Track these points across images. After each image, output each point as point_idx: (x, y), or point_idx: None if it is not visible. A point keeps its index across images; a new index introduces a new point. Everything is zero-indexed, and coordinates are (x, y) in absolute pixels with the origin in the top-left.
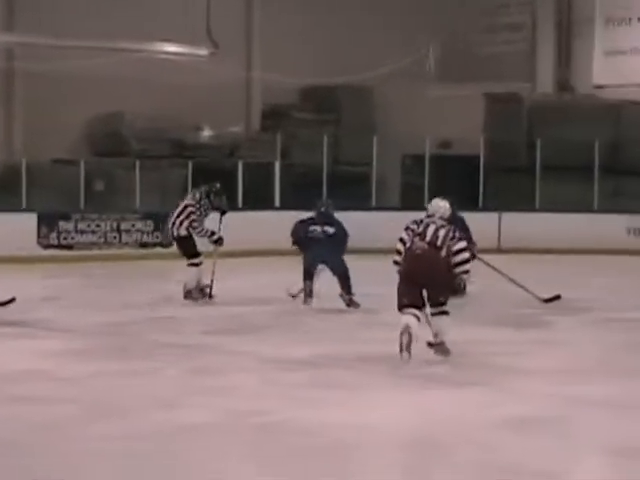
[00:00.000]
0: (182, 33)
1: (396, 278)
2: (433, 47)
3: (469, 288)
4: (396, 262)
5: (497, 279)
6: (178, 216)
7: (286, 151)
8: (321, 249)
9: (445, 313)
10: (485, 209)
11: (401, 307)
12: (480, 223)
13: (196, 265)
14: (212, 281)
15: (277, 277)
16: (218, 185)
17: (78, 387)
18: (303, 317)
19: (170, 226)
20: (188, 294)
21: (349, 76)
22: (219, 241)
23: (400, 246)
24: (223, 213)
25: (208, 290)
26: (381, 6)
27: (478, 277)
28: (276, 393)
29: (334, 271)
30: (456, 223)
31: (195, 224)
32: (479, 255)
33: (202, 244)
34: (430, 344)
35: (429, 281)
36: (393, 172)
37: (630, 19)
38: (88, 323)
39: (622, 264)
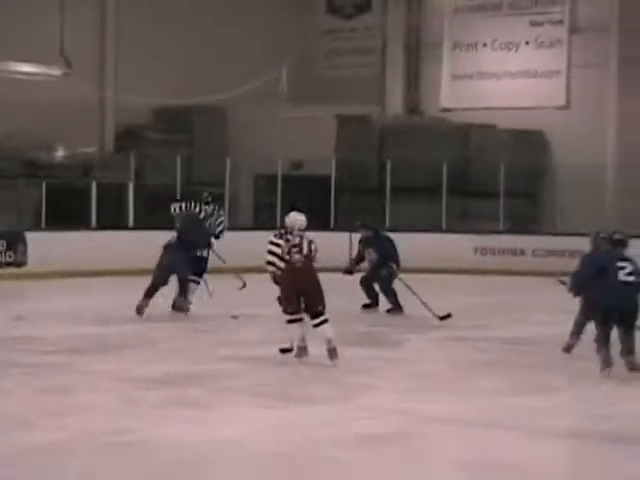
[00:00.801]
0: (35, 52)
1: (249, 298)
2: (286, 69)
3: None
4: (272, 263)
5: (351, 299)
6: None
7: (140, 171)
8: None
9: (327, 321)
10: (336, 229)
11: (288, 316)
12: (331, 243)
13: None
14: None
15: (132, 297)
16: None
17: None
18: (158, 337)
19: None
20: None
21: (203, 97)
22: None
23: (273, 258)
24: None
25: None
26: (235, 28)
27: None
28: (132, 412)
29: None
30: (384, 243)
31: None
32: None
33: None
34: (282, 349)
35: (309, 292)
36: (246, 192)
37: (476, 44)
38: None
39: (470, 283)
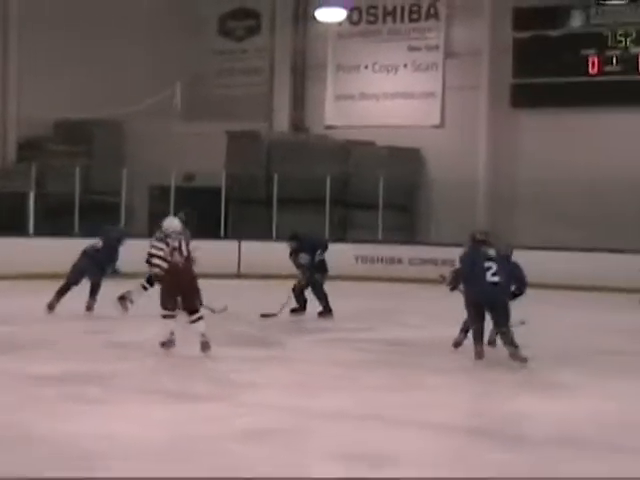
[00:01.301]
0: None
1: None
2: (180, 87)
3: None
4: (155, 264)
5: (237, 301)
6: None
7: (41, 181)
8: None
9: (201, 318)
10: (226, 237)
11: (165, 311)
12: (221, 251)
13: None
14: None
15: (32, 299)
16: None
17: None
18: (54, 336)
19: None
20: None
21: (102, 111)
22: None
23: (157, 260)
24: None
25: None
26: (133, 47)
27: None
28: (29, 407)
29: None
30: (314, 247)
31: None
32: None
33: None
34: (162, 343)
35: (188, 291)
36: (141, 202)
37: (358, 67)
38: None
39: (352, 289)
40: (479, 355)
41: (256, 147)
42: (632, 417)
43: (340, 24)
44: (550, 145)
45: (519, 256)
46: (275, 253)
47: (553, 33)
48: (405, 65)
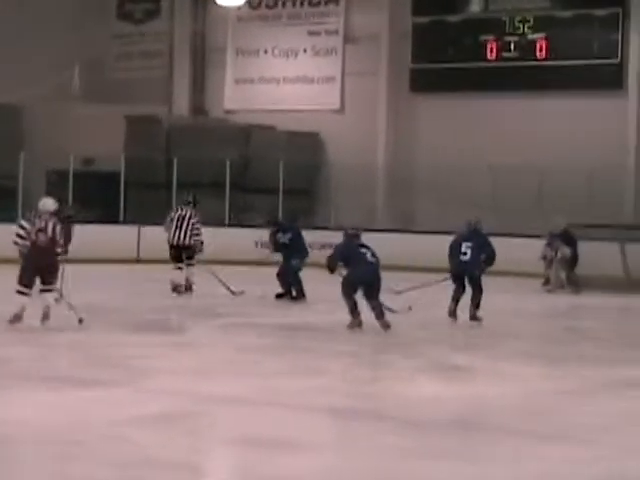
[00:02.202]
0: None
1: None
2: (78, 71)
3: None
4: (17, 243)
5: (138, 286)
6: (188, 228)
7: None
8: None
9: (51, 291)
10: (125, 222)
11: (20, 287)
12: (121, 235)
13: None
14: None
15: None
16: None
17: None
18: None
19: (180, 235)
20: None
21: None
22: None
23: (17, 238)
24: None
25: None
26: (31, 31)
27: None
28: None
29: None
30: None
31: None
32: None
33: None
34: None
35: (48, 268)
36: (39, 187)
37: (258, 51)
38: None
39: (252, 274)
40: (352, 325)
41: (155, 131)
42: (530, 401)
43: (240, 8)
44: (449, 129)
45: (420, 239)
46: None
47: (452, 18)
48: (305, 50)
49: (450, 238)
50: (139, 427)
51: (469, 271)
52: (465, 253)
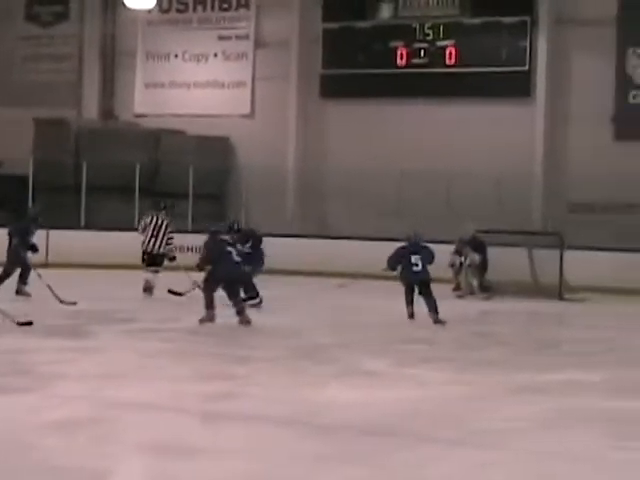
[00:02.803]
0: None
1: None
2: None
3: None
4: None
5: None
6: (163, 237)
7: None
8: None
9: None
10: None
11: None
12: None
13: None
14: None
15: None
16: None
17: None
18: None
19: (153, 242)
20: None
21: None
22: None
23: None
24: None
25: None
26: None
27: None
28: None
29: None
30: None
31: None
32: None
33: None
34: None
35: None
36: None
37: (168, 55)
38: None
39: (161, 279)
40: (204, 319)
41: (64, 134)
42: (440, 406)
43: (150, 12)
44: (359, 135)
45: (332, 244)
46: (83, 241)
47: (362, 25)
48: (215, 54)
49: (358, 243)
50: (45, 434)
51: (422, 280)
52: (416, 264)
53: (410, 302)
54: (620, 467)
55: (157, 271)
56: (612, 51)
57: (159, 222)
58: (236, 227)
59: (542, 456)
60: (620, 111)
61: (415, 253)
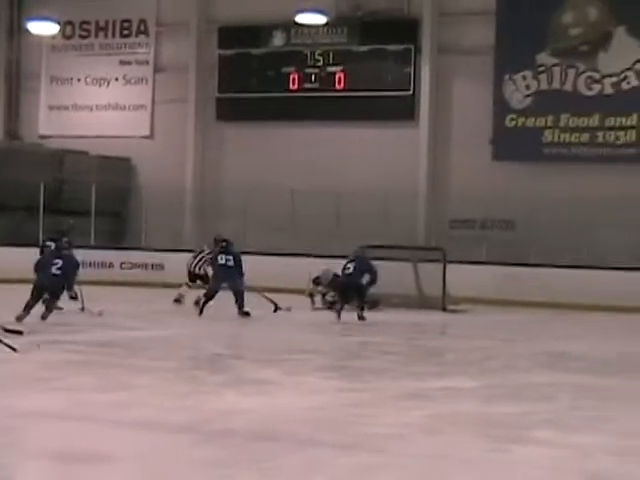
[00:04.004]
0: None
1: None
2: None
3: None
4: None
5: None
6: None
7: None
8: None
9: None
10: None
11: None
12: None
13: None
14: None
15: None
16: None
17: None
18: None
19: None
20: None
21: None
22: None
23: None
24: None
25: None
26: None
27: None
28: None
29: None
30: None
31: None
32: None
33: None
34: None
35: None
36: None
37: (72, 79)
38: None
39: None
40: (19, 317)
41: None
42: (327, 413)
43: (54, 37)
44: (254, 156)
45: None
46: None
47: (256, 51)
48: (117, 78)
49: (251, 258)
50: None
51: (354, 282)
52: (348, 268)
53: (341, 304)
54: (495, 469)
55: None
56: (490, 78)
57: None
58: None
59: (424, 460)
60: (498, 133)
61: (351, 262)
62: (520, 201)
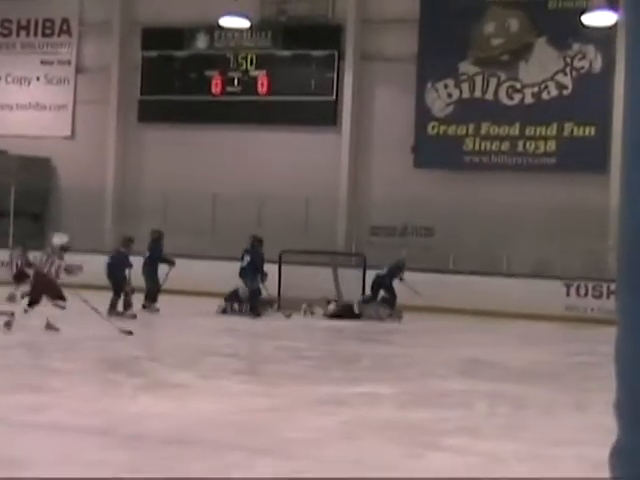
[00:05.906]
0: None
1: None
2: None
3: None
4: None
5: None
6: None
7: None
8: None
9: None
10: None
11: None
12: None
13: None
14: None
15: None
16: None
17: None
18: None
19: None
20: None
21: None
22: None
23: None
24: None
25: None
26: None
27: None
28: None
29: None
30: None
31: None
32: None
33: None
34: None
35: None
36: None
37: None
38: None
39: None
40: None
41: None
42: (243, 417)
43: None
44: (175, 158)
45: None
46: None
47: (179, 54)
48: (38, 78)
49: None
50: None
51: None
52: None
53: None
54: (408, 474)
55: None
56: (412, 85)
57: None
58: None
59: (340, 464)
60: (419, 141)
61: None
62: (440, 208)
